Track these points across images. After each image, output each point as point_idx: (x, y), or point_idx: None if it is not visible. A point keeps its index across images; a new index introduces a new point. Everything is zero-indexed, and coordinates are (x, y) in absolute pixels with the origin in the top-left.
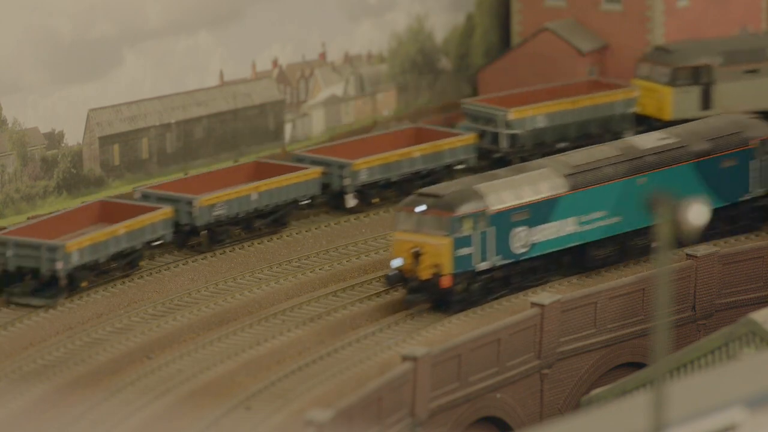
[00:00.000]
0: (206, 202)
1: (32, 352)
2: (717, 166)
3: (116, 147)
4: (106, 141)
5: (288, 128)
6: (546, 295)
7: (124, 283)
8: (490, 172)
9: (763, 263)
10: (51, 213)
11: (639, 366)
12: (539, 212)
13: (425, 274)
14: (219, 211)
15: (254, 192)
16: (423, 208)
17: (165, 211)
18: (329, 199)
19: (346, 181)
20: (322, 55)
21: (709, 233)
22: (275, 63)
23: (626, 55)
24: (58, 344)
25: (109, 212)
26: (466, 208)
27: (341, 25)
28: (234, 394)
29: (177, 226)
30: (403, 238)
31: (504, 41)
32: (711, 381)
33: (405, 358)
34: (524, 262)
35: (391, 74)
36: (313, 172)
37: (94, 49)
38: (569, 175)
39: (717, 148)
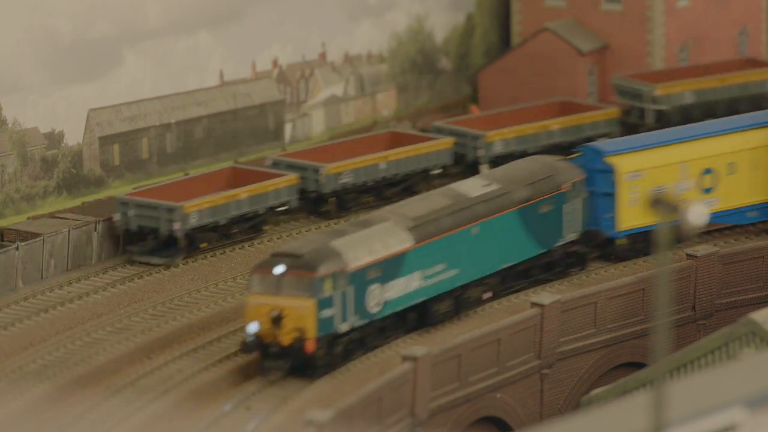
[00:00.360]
0: (333, 170)
1: (32, 352)
2: (536, 212)
3: (116, 147)
4: (106, 141)
5: (288, 128)
6: (546, 295)
7: (124, 283)
8: (336, 227)
9: (763, 263)
10: (185, 175)
11: (639, 366)
12: (390, 268)
13: (287, 339)
14: (346, 179)
15: (383, 161)
16: (282, 269)
17: (290, 178)
18: (464, 170)
19: (480, 152)
20: (322, 55)
21: (525, 282)
22: (275, 63)
23: (626, 55)
24: (58, 344)
25: (240, 177)
26: (327, 268)
27: (341, 25)
28: (234, 394)
29: (304, 193)
30: (260, 301)
31: (504, 41)
32: (711, 381)
33: (405, 358)
34: (377, 321)
35: (391, 74)
36: (445, 142)
37: (94, 49)
38: (412, 228)
39: (536, 193)
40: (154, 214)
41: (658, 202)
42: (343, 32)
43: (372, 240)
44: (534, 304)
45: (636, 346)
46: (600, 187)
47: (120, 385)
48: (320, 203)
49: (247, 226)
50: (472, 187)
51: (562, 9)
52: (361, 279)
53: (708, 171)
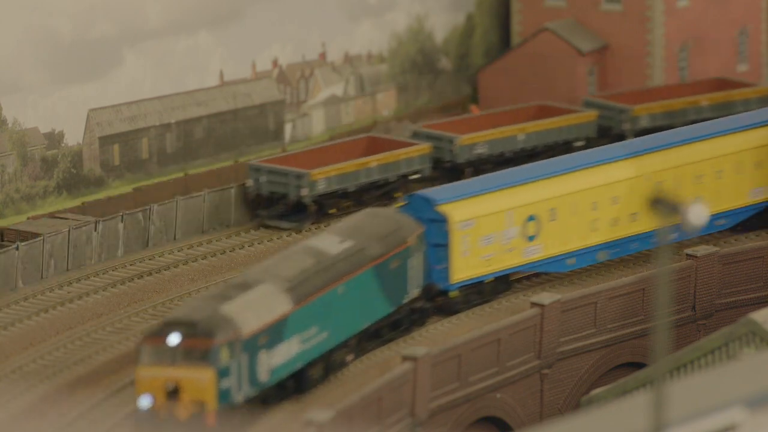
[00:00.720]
0: (467, 140)
1: (32, 352)
2: (388, 268)
3: (116, 147)
4: (106, 141)
5: (288, 128)
6: (546, 295)
7: (124, 283)
8: (216, 291)
9: (763, 263)
10: (324, 143)
11: (639, 366)
12: (275, 333)
13: (185, 412)
14: (480, 150)
15: (521, 133)
16: (177, 338)
17: (421, 148)
18: (609, 142)
19: (626, 126)
20: (322, 55)
21: (376, 342)
22: (275, 63)
23: (626, 55)
24: (58, 344)
25: (377, 147)
26: (223, 335)
27: (341, 25)
28: None
29: (440, 162)
30: (153, 373)
31: (504, 41)
32: (711, 381)
33: (405, 358)
34: (264, 391)
35: (391, 74)
36: (588, 115)
37: (94, 49)
38: (289, 289)
39: (387, 248)
40: (284, 180)
41: (658, 202)
42: (343, 32)
43: (257, 304)
44: (534, 304)
45: (636, 346)
46: (431, 237)
47: (120, 385)
48: (456, 173)
49: (378, 193)
50: (330, 243)
51: (562, 9)
52: (252, 346)
53: (531, 218)
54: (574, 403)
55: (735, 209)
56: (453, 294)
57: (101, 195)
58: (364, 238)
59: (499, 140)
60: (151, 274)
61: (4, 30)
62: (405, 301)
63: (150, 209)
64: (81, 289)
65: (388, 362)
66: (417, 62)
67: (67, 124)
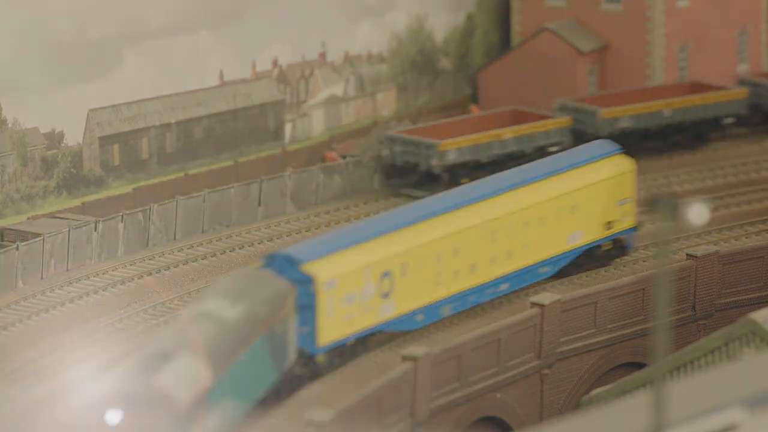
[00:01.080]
0: (609, 114)
1: (32, 352)
2: (275, 334)
3: (116, 147)
4: (106, 141)
5: (288, 128)
6: (546, 295)
7: (124, 283)
8: (139, 363)
9: (763, 263)
10: (463, 116)
11: (639, 366)
12: (202, 407)
13: None
14: (624, 124)
15: (667, 108)
16: (117, 416)
17: (560, 121)
18: (763, 120)
19: None
20: (322, 55)
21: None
22: (275, 63)
23: (626, 55)
24: (58, 344)
25: (521, 119)
26: (165, 410)
27: (341, 25)
28: None
29: (582, 135)
30: None
31: (504, 41)
32: (711, 381)
33: (405, 358)
34: None
35: (391, 74)
36: (738, 92)
37: (94, 49)
38: (207, 359)
39: (273, 312)
40: (416, 150)
41: (658, 202)
42: (343, 32)
43: (187, 374)
44: (534, 304)
45: (636, 346)
46: (296, 299)
47: None
48: None
49: (513, 165)
50: (222, 308)
51: (562, 9)
52: (189, 421)
53: (386, 274)
54: (574, 403)
55: (557, 255)
56: (320, 358)
57: (101, 195)
58: (250, 301)
59: (644, 115)
60: (151, 274)
61: (4, 30)
62: (287, 367)
63: (150, 209)
64: (81, 289)
65: (388, 362)
66: (417, 62)
67: (67, 124)
